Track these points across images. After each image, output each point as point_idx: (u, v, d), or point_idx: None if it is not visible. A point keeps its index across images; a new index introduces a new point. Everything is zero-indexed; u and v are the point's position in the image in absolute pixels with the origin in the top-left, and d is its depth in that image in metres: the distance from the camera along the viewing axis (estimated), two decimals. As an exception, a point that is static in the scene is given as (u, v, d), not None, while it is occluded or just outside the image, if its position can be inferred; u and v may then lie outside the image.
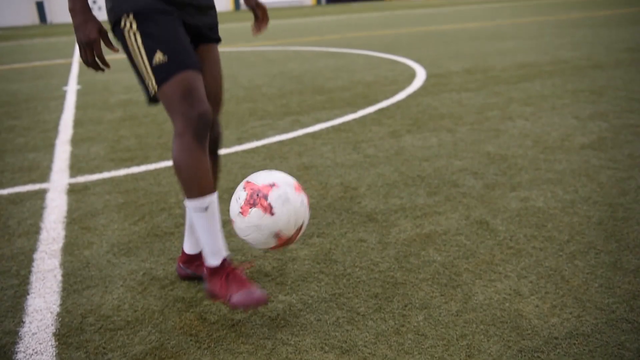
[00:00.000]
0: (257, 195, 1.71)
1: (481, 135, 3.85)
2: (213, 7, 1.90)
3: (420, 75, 6.55)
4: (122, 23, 1.68)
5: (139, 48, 1.68)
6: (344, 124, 4.38)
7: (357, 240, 2.37)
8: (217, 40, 1.93)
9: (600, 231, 2.33)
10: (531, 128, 3.95)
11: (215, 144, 1.99)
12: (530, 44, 8.96)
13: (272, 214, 1.69)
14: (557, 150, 3.43)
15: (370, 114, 4.66)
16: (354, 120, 4.49)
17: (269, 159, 3.55)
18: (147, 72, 1.68)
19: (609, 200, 2.64)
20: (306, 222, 1.81)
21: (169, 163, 3.57)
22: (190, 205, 1.77)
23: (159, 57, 1.65)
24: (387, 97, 5.32)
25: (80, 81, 7.73)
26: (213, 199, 1.77)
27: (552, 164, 3.18)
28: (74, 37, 18.00)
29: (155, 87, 1.69)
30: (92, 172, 3.50)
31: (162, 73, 1.66)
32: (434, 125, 4.19)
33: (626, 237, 2.26)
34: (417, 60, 7.78)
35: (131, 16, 1.66)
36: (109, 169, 3.54)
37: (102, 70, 1.72)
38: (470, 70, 6.66)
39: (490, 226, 2.43)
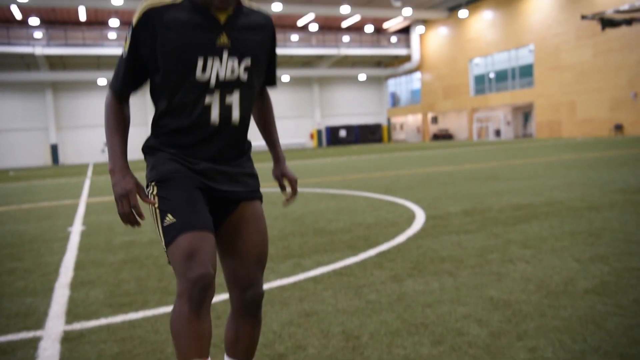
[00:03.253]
0: None
1: (483, 279, 3.83)
2: (252, 174, 2.00)
3: (420, 216, 6.67)
4: (149, 189, 1.89)
5: (155, 210, 1.82)
6: (345, 267, 4.38)
7: (360, 395, 2.26)
8: (258, 198, 2.02)
9: (614, 386, 2.22)
10: (532, 271, 3.95)
11: (255, 306, 1.97)
12: (524, 185, 9.25)
13: None
14: (561, 295, 3.39)
15: (371, 257, 4.68)
16: (355, 263, 4.50)
17: (270, 304, 3.50)
18: (160, 233, 1.79)
19: (619, 350, 2.56)
20: None
21: (168, 309, 3.52)
22: None
23: (169, 218, 1.76)
24: (387, 240, 5.37)
25: (85, 222, 7.87)
26: None
27: (558, 310, 3.12)
28: (82, 178, 18.66)
29: (165, 247, 1.77)
30: (88, 318, 3.44)
31: (168, 235, 1.75)
32: (435, 268, 4.19)
33: (642, 392, 2.16)
34: (416, 202, 7.98)
35: (154, 183, 1.87)
36: (106, 315, 3.47)
37: (139, 224, 1.83)
38: (468, 212, 6.81)
39: (499, 380, 2.33)
